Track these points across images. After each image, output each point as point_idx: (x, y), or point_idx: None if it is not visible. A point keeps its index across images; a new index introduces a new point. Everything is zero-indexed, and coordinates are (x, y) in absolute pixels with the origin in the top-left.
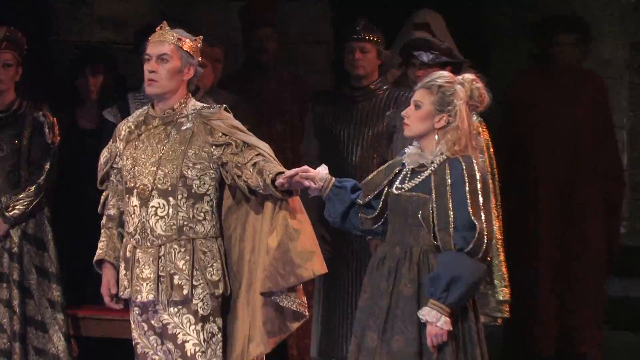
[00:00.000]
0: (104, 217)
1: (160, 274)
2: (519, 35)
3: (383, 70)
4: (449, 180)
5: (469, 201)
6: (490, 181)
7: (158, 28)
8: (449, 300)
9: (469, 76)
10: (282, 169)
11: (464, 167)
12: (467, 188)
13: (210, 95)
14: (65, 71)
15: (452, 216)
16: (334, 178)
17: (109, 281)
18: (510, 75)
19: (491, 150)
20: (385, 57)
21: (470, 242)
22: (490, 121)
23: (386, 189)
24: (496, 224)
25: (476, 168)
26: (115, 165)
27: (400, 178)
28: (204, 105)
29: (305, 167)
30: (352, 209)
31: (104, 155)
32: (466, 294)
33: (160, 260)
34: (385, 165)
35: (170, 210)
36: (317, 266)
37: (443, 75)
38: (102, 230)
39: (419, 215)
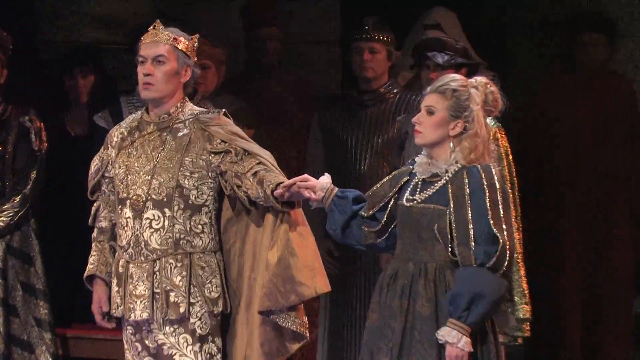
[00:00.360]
0: (95, 230)
1: (155, 290)
2: (519, 35)
3: (394, 73)
4: (468, 190)
5: (489, 212)
6: (510, 191)
7: (151, 27)
8: (470, 319)
9: (481, 79)
10: (283, 178)
11: (483, 175)
12: (487, 198)
13: (213, 99)
14: (61, 73)
15: (472, 229)
16: (336, 188)
17: (100, 298)
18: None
19: (510, 157)
20: (395, 58)
21: (492, 256)
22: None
23: (392, 200)
24: (516, 237)
25: (495, 177)
26: (106, 174)
27: (409, 189)
28: (202, 109)
29: (305, 176)
30: (353, 221)
31: (94, 163)
32: (488, 312)
33: (155, 276)
34: (390, 175)
35: (166, 222)
36: (319, 284)
37: (456, 79)
38: (93, 244)
39: (435, 229)
